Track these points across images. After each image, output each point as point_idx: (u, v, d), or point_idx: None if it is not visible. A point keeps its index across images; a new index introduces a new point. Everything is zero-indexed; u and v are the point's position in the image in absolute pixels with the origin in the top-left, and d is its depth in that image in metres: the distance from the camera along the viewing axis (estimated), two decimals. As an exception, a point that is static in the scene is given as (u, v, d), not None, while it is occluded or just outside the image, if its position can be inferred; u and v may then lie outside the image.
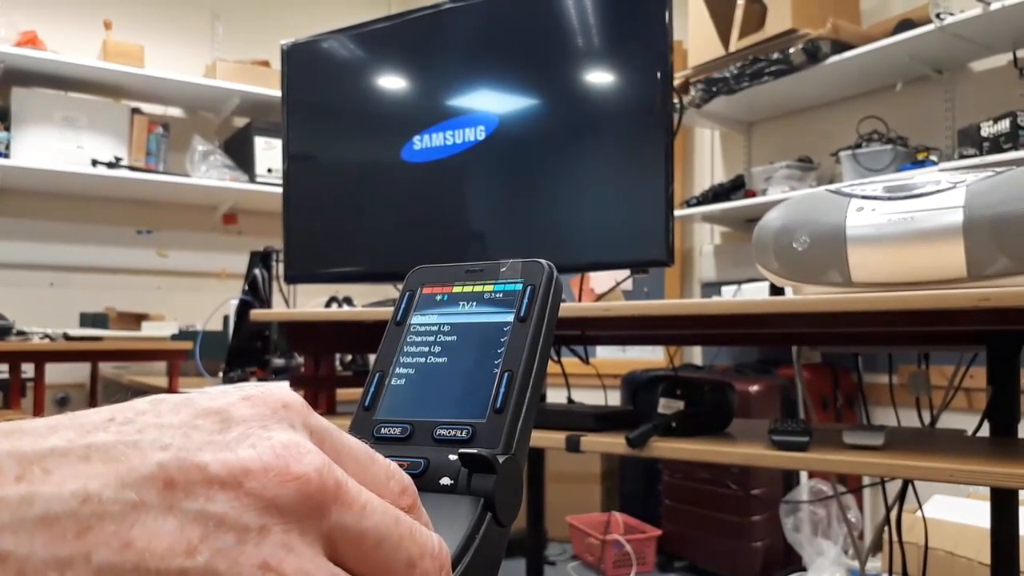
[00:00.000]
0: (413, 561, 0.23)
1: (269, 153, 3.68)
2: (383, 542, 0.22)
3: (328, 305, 2.30)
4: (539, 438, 1.26)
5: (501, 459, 0.29)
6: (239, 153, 3.75)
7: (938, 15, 2.49)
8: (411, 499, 0.24)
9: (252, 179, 3.68)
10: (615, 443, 1.19)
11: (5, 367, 2.79)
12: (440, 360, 0.34)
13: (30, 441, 0.20)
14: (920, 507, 1.69)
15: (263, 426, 0.22)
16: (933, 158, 2.68)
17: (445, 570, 0.24)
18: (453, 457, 0.29)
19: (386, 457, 0.30)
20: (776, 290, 1.25)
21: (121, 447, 0.20)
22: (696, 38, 3.19)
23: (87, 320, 3.25)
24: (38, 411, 2.79)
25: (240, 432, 0.21)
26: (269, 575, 0.20)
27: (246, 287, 2.44)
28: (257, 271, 2.43)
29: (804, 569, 2.42)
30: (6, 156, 3.24)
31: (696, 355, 3.53)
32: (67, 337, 2.78)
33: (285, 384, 1.98)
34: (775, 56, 2.89)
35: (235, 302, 2.47)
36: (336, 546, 0.21)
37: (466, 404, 0.31)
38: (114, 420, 0.21)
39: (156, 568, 0.19)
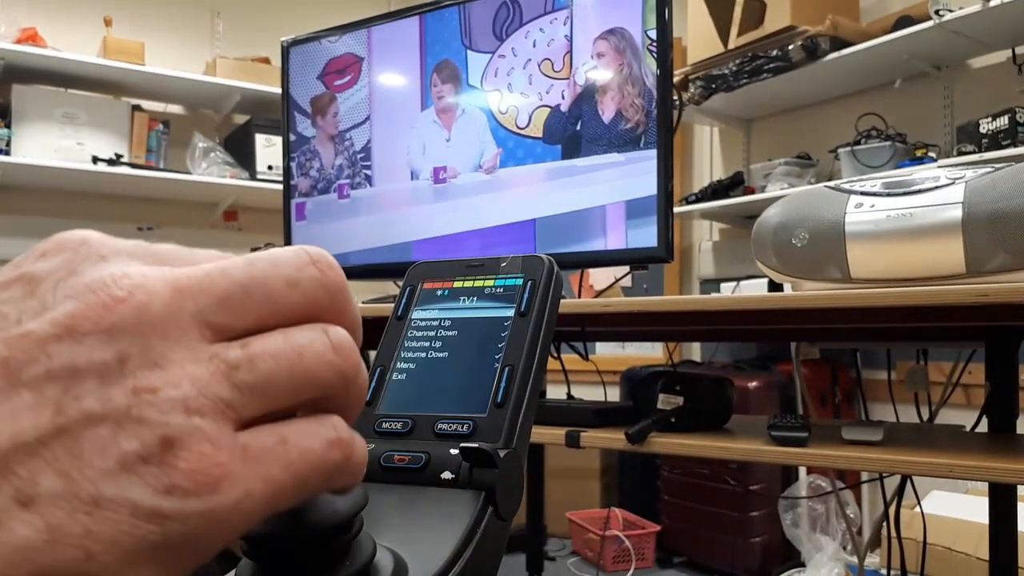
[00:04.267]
0: (293, 280, 0.22)
1: (269, 150, 3.67)
2: (248, 284, 0.21)
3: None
4: (539, 434, 1.26)
5: (502, 453, 0.29)
6: (240, 150, 3.75)
7: (937, 12, 2.49)
8: None
9: (253, 176, 3.68)
10: (614, 439, 1.20)
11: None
12: (441, 355, 0.34)
13: None
14: (919, 503, 1.70)
15: (71, 272, 0.20)
16: (932, 155, 2.68)
17: (332, 267, 0.23)
18: (454, 451, 0.29)
19: (388, 451, 0.31)
20: (775, 286, 1.25)
21: None
22: (695, 35, 3.19)
23: (87, 317, 3.24)
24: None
25: (49, 286, 0.20)
26: (145, 395, 0.19)
27: (246, 284, 2.44)
28: (257, 268, 2.43)
29: (803, 565, 2.42)
30: (6, 153, 3.24)
31: (695, 351, 3.53)
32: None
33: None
34: (774, 53, 2.89)
35: (235, 299, 2.47)
36: (212, 326, 0.21)
37: (467, 399, 0.31)
38: None
39: (29, 441, 0.18)
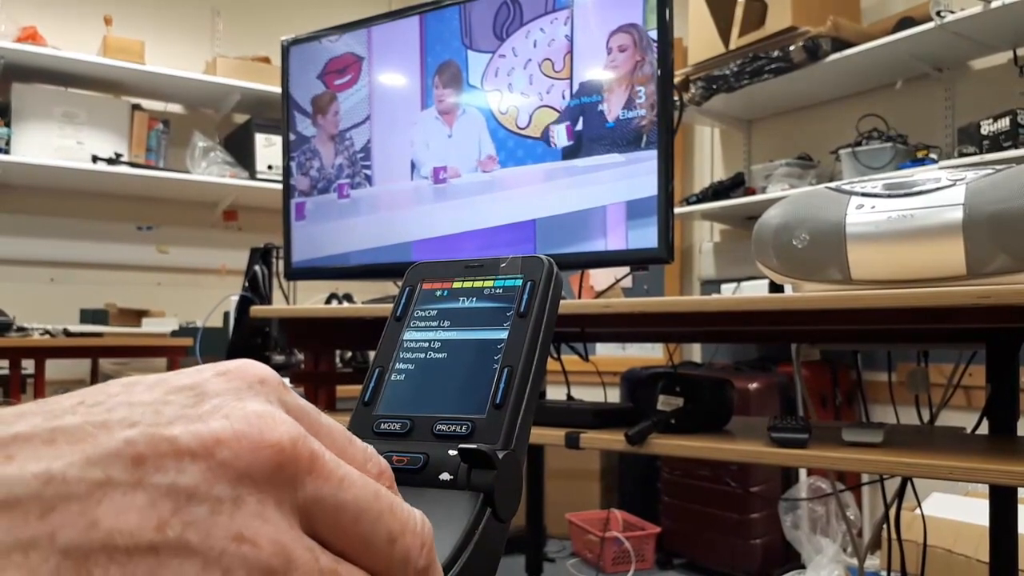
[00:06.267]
0: (394, 536, 0.22)
1: (269, 150, 3.68)
2: (362, 516, 0.22)
3: (328, 302, 2.30)
4: (539, 435, 1.26)
5: (501, 455, 0.28)
6: (239, 149, 3.75)
7: (938, 13, 2.49)
8: (388, 483, 0.24)
9: (252, 176, 3.68)
10: (614, 440, 1.20)
11: (5, 363, 2.79)
12: (440, 356, 0.34)
13: None
14: (919, 505, 1.70)
15: (237, 398, 0.21)
16: (933, 156, 2.68)
17: (427, 547, 0.23)
18: (453, 452, 0.29)
19: (386, 452, 0.31)
20: (775, 287, 1.25)
21: (88, 427, 0.19)
22: (696, 36, 3.19)
23: (87, 316, 3.25)
24: (38, 407, 2.79)
25: (213, 405, 0.21)
26: (244, 546, 0.19)
27: (246, 283, 2.44)
28: (257, 267, 2.43)
29: (803, 567, 2.42)
30: (6, 152, 3.24)
31: (695, 352, 3.53)
32: (67, 333, 2.78)
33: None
34: (775, 54, 2.89)
35: (235, 298, 2.47)
36: (312, 519, 0.21)
37: (466, 400, 0.31)
38: (83, 403, 0.21)
39: (125, 545, 0.18)
